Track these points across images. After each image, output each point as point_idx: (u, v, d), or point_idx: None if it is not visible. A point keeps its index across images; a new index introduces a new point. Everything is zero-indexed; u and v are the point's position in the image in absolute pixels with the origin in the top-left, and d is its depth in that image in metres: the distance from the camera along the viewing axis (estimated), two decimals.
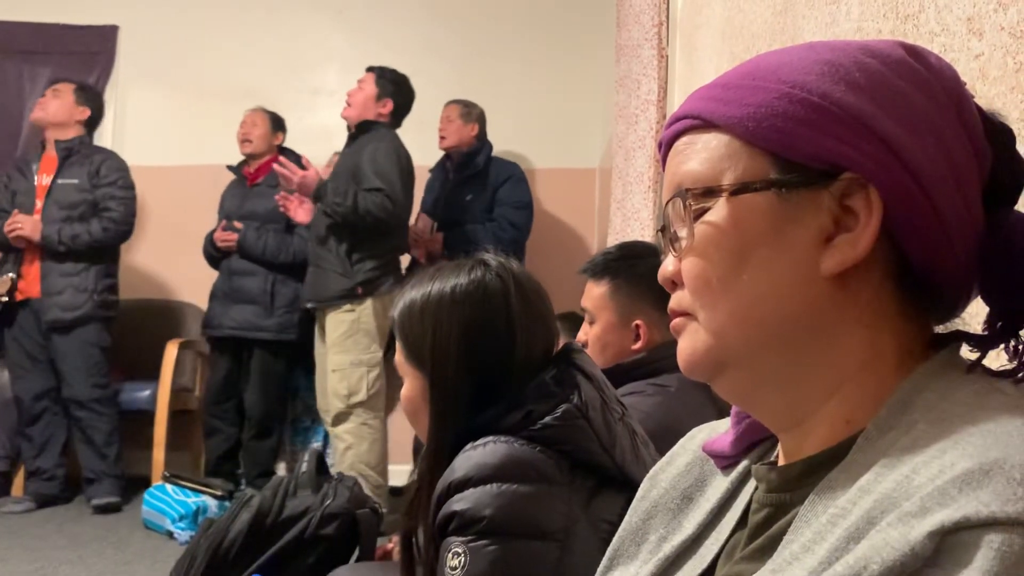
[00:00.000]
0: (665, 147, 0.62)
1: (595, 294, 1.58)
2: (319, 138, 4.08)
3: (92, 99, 3.75)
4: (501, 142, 4.07)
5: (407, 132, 3.46)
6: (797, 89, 0.54)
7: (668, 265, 0.61)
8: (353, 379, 3.16)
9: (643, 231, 2.36)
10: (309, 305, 3.34)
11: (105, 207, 3.58)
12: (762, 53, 0.60)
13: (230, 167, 3.93)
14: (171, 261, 4.22)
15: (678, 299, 0.60)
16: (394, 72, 3.42)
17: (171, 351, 3.77)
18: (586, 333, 1.58)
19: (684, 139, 0.59)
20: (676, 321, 0.60)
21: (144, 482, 3.54)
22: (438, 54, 4.47)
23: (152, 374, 3.76)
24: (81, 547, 2.99)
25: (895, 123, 0.53)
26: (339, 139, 3.47)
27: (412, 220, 3.78)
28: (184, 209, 4.30)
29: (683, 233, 0.58)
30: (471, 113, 3.89)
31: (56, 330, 3.50)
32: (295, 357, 3.77)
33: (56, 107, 3.61)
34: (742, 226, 0.55)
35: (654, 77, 2.37)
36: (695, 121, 0.59)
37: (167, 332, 3.89)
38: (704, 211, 0.57)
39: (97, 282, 3.56)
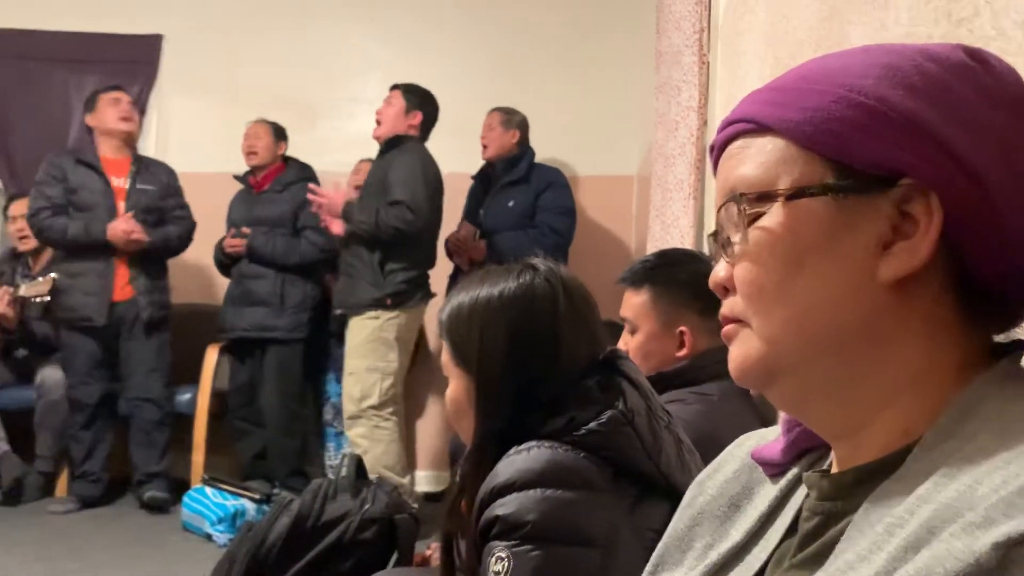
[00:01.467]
0: (717, 151, 0.62)
1: (635, 303, 1.56)
2: (357, 145, 4.12)
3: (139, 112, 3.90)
4: (542, 149, 4.08)
5: (449, 140, 3.49)
6: (854, 93, 0.53)
7: (720, 270, 0.60)
8: (367, 383, 3.21)
9: (683, 239, 2.35)
10: (338, 311, 3.39)
11: (178, 216, 3.78)
12: (817, 57, 0.59)
13: (237, 177, 4.02)
14: (210, 265, 4.28)
15: (730, 305, 0.59)
16: (418, 86, 3.49)
17: (211, 355, 3.83)
18: (626, 343, 1.56)
19: (737, 143, 0.59)
20: (728, 328, 0.60)
21: (184, 485, 3.59)
22: (478, 62, 4.50)
23: (191, 378, 3.82)
24: (122, 548, 3.03)
25: (956, 128, 0.52)
26: (376, 146, 3.51)
27: (455, 228, 3.81)
28: (224, 215, 4.37)
29: (736, 238, 0.57)
30: (512, 120, 3.90)
31: (145, 330, 3.63)
32: (321, 362, 3.83)
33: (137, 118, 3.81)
34: (797, 232, 0.55)
35: (695, 83, 2.35)
36: (749, 125, 0.58)
37: (206, 336, 3.94)
38: (758, 216, 0.56)
39: (165, 284, 3.76)
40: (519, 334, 1.03)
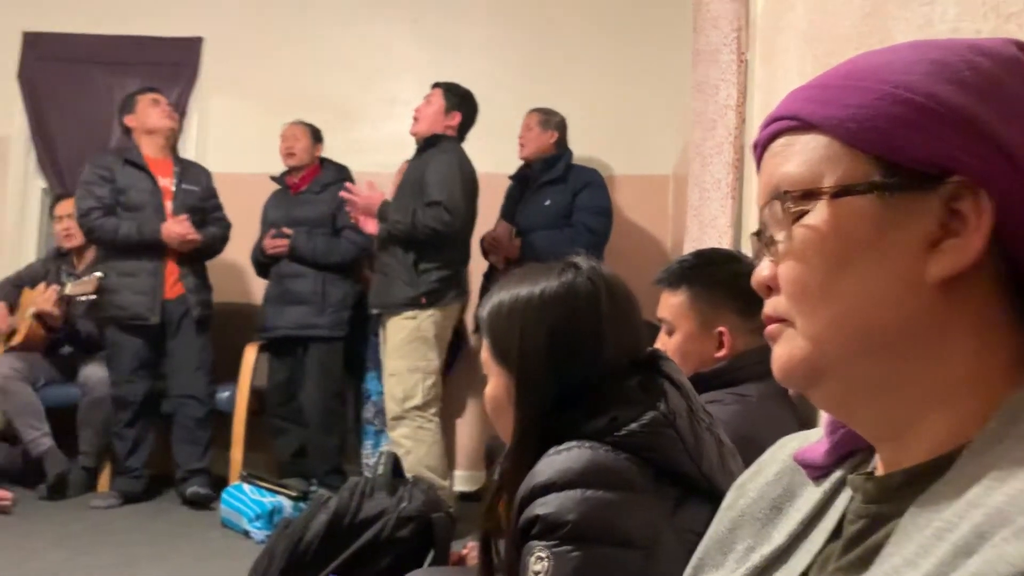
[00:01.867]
0: (760, 148, 0.61)
1: (672, 303, 1.55)
2: (394, 146, 4.14)
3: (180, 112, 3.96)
4: (578, 149, 4.08)
5: (486, 141, 3.50)
6: (900, 89, 0.53)
7: (764, 269, 0.59)
8: (409, 384, 3.22)
9: (721, 239, 2.33)
10: (375, 311, 3.41)
11: (217, 217, 3.86)
12: (862, 53, 0.58)
13: (273, 177, 4.06)
14: (248, 266, 4.33)
15: (774, 304, 0.59)
16: (459, 86, 3.49)
17: (250, 353, 3.88)
18: (664, 344, 1.55)
19: (781, 140, 0.58)
20: (772, 327, 0.59)
21: (222, 481, 3.64)
22: (515, 63, 4.51)
23: (229, 376, 3.87)
24: (161, 543, 3.07)
25: (1008, 123, 0.51)
26: (413, 147, 3.53)
27: (491, 227, 3.82)
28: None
29: (780, 236, 0.57)
30: (550, 121, 3.91)
31: (169, 330, 3.69)
32: (361, 361, 3.86)
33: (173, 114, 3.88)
34: (843, 230, 0.54)
35: (733, 82, 2.33)
36: (793, 122, 0.58)
37: (244, 335, 3.99)
38: (803, 214, 0.56)
39: (207, 282, 3.83)
40: (560, 332, 1.02)
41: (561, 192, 3.80)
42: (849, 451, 0.63)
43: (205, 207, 3.83)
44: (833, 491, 0.62)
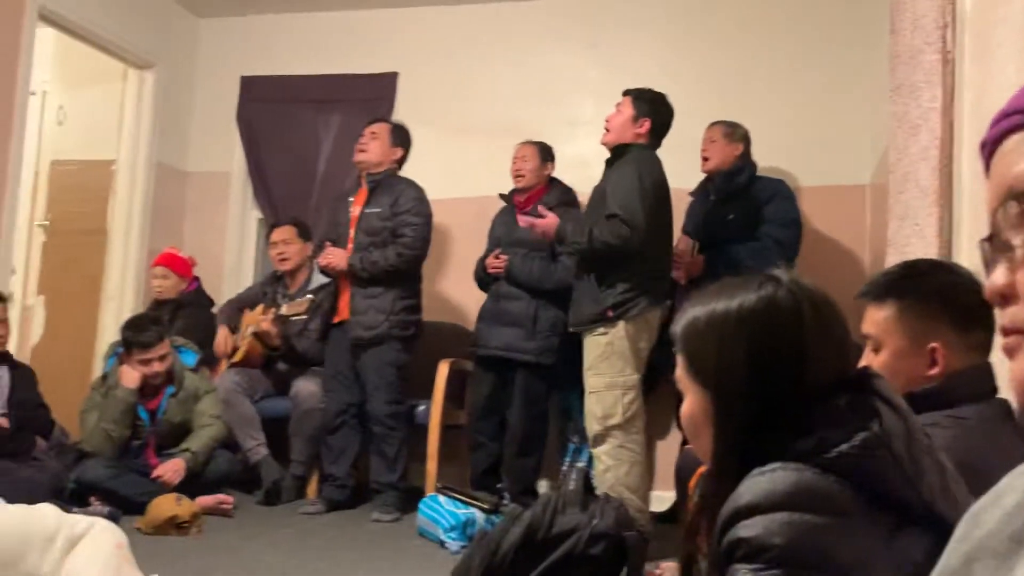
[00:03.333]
0: (990, 147, 0.57)
1: (879, 318, 1.47)
2: (577, 167, 4.20)
3: (404, 139, 4.07)
4: (763, 160, 3.96)
5: (666, 156, 3.44)
6: None
7: (999, 277, 0.56)
8: (608, 401, 3.14)
9: (928, 249, 2.18)
10: (571, 329, 3.42)
11: (400, 234, 3.84)
12: None
13: (502, 195, 4.12)
14: (440, 285, 4.52)
15: (1011, 315, 0.55)
16: (650, 91, 3.38)
17: (443, 369, 4.03)
18: (869, 362, 1.46)
19: (1015, 138, 0.55)
20: (1009, 340, 0.55)
21: (419, 492, 3.79)
22: (695, 77, 4.45)
23: (424, 391, 4.02)
24: (363, 550, 3.22)
25: None
26: (596, 168, 3.52)
27: (674, 241, 3.76)
28: (452, 239, 4.62)
29: (1018, 241, 0.53)
30: (735, 133, 3.82)
31: (359, 348, 3.87)
32: (569, 379, 3.88)
33: (375, 147, 3.97)
34: None
35: (938, 83, 2.19)
36: None
37: (437, 351, 4.15)
38: None
39: (394, 303, 3.84)
40: (760, 349, 0.98)
41: (746, 205, 3.69)
42: None
43: (392, 226, 3.86)
44: None
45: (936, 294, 1.42)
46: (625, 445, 3.14)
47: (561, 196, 3.99)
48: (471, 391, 4.09)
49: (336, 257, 3.87)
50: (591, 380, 3.20)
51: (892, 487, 0.89)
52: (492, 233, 4.08)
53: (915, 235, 2.30)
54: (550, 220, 3.36)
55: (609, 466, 3.11)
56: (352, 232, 3.93)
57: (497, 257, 3.90)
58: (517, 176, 4.02)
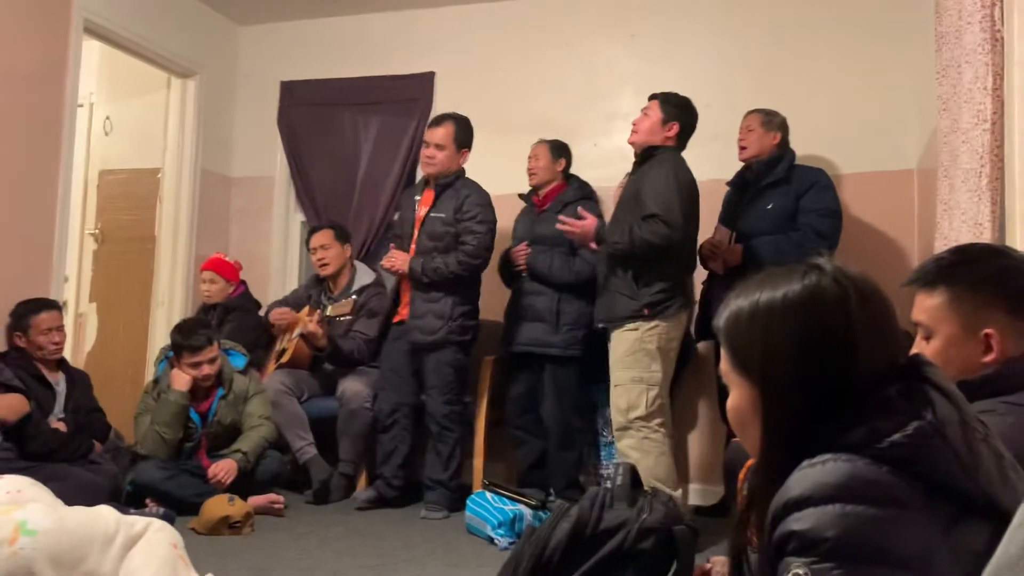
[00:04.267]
0: None
1: (930, 305, 1.44)
2: (616, 160, 4.19)
3: (469, 138, 3.98)
4: (803, 148, 3.90)
5: (703, 147, 3.43)
6: None
7: None
8: (633, 395, 3.20)
9: (979, 233, 2.13)
10: (600, 325, 3.44)
11: (463, 241, 3.83)
12: None
13: (521, 195, 4.19)
14: (484, 283, 4.51)
15: None
16: (677, 96, 3.44)
17: (488, 366, 4.05)
18: (920, 350, 1.43)
19: None
20: None
21: (466, 489, 3.81)
22: (733, 67, 4.41)
23: (471, 388, 4.04)
24: (415, 548, 3.25)
25: None
26: (631, 160, 3.53)
27: (710, 234, 3.74)
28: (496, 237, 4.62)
29: None
30: (772, 121, 3.78)
31: (418, 351, 3.90)
32: (594, 373, 3.88)
33: (442, 158, 3.90)
34: None
35: (985, 62, 2.13)
36: None
37: (485, 349, 4.16)
38: None
39: (453, 309, 3.84)
40: (807, 340, 0.96)
41: (784, 194, 3.66)
42: None
43: (455, 232, 3.85)
44: None
45: (989, 279, 1.39)
46: (649, 436, 3.20)
47: (579, 192, 4.04)
48: (509, 389, 4.11)
49: (399, 260, 3.90)
50: (618, 374, 3.26)
51: (948, 477, 0.87)
52: (515, 232, 4.14)
53: (964, 221, 2.25)
54: (590, 222, 3.42)
55: (636, 459, 3.14)
56: (416, 233, 3.95)
57: (522, 250, 3.96)
58: (531, 174, 4.10)
